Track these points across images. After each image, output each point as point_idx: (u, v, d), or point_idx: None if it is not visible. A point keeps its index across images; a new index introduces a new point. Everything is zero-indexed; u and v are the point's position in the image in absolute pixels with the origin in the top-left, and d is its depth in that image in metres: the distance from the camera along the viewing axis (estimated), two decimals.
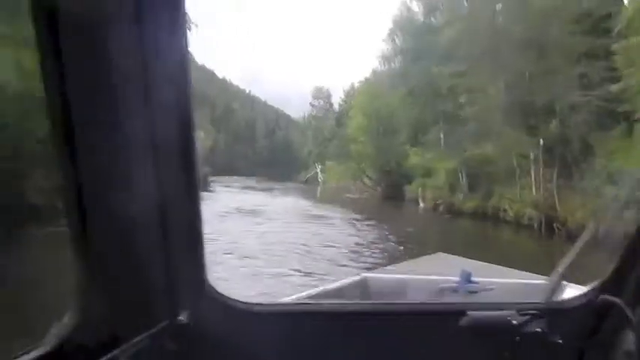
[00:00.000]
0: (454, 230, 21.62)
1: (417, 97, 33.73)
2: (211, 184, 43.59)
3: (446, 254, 5.98)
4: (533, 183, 22.36)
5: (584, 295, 1.49)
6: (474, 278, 3.34)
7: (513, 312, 1.39)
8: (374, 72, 47.09)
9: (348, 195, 40.93)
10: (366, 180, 42.90)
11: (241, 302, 1.28)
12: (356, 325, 1.37)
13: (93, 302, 0.91)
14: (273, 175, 77.94)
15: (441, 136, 33.25)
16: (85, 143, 0.83)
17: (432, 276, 3.81)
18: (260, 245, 13.61)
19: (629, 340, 1.34)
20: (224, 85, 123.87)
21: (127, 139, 0.93)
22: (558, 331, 1.39)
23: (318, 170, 66.90)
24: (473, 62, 24.66)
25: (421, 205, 31.56)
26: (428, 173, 33.79)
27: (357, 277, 3.95)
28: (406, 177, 36.70)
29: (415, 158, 35.09)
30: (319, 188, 56.49)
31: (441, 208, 28.51)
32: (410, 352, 1.39)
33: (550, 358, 1.42)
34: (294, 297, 3.24)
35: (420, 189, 32.24)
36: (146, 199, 0.99)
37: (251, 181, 64.12)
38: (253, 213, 23.06)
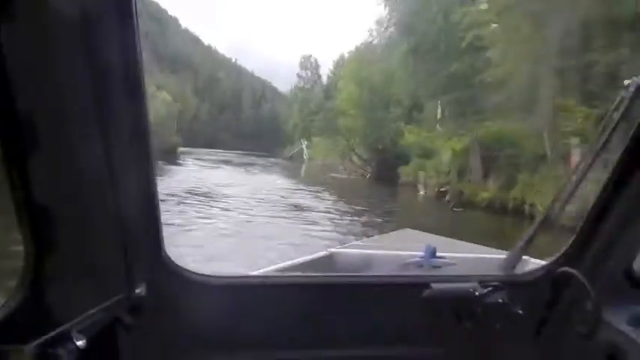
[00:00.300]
0: (475, 230, 15.94)
1: (420, 56, 27.42)
2: (181, 156, 37.37)
3: (412, 230, 5.71)
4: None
5: (544, 267, 1.54)
6: (438, 253, 3.30)
7: (475, 284, 1.40)
8: (369, 33, 40.40)
9: (334, 175, 35.55)
10: (355, 159, 37.06)
11: (199, 274, 1.23)
12: (320, 297, 1.35)
13: (45, 274, 0.88)
14: (257, 149, 73.54)
15: (438, 109, 27.50)
16: (29, 117, 0.79)
17: (398, 251, 3.70)
18: None
19: (587, 310, 1.34)
20: (209, 53, 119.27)
21: (74, 108, 0.87)
22: (519, 302, 1.41)
23: (304, 146, 61.20)
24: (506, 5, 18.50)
25: (421, 191, 26.04)
26: (428, 153, 28.64)
27: (323, 252, 3.73)
28: (401, 157, 31.40)
29: (412, 136, 29.78)
30: (304, 166, 51.02)
31: (446, 197, 22.92)
32: (375, 324, 1.37)
33: (511, 328, 1.43)
34: (259, 271, 2.99)
35: (421, 173, 26.47)
36: (97, 171, 0.94)
37: (231, 155, 58.35)
38: (208, 199, 17.21)
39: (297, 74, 69.35)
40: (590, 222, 1.46)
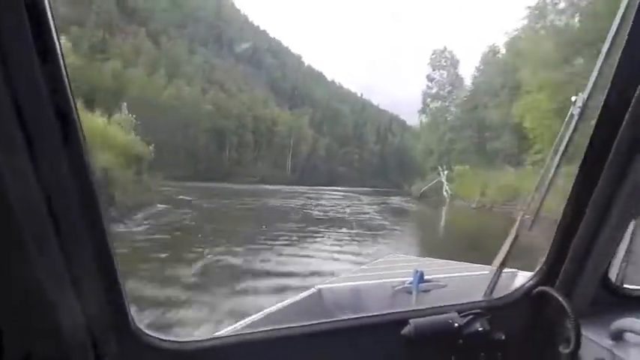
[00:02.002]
0: None
1: None
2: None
3: (397, 255, 5.28)
4: None
5: (522, 288, 1.44)
6: (426, 277, 3.02)
7: (454, 314, 1.33)
8: None
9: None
10: None
11: (173, 341, 1.11)
12: (299, 347, 1.26)
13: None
14: (380, 186, 56.95)
15: None
16: None
17: (386, 279, 3.44)
18: None
19: (567, 328, 1.30)
20: (332, 87, 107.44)
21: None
22: (500, 328, 1.35)
23: (443, 178, 36.62)
24: None
25: None
26: None
27: (310, 291, 3.34)
28: None
29: None
30: (444, 213, 26.89)
31: None
32: None
33: (495, 355, 1.37)
34: (249, 318, 2.61)
35: None
36: (35, 227, 0.74)
37: (331, 195, 37.12)
38: None
39: (427, 76, 45.55)
40: (560, 236, 1.36)
